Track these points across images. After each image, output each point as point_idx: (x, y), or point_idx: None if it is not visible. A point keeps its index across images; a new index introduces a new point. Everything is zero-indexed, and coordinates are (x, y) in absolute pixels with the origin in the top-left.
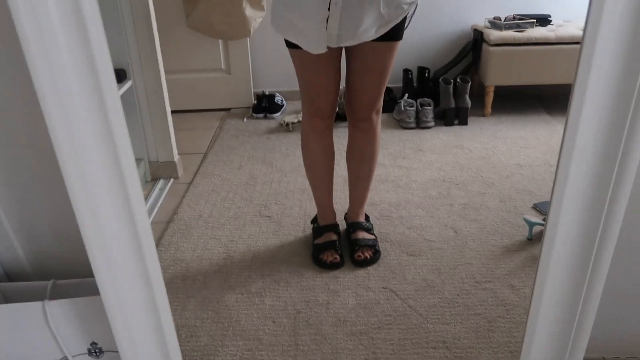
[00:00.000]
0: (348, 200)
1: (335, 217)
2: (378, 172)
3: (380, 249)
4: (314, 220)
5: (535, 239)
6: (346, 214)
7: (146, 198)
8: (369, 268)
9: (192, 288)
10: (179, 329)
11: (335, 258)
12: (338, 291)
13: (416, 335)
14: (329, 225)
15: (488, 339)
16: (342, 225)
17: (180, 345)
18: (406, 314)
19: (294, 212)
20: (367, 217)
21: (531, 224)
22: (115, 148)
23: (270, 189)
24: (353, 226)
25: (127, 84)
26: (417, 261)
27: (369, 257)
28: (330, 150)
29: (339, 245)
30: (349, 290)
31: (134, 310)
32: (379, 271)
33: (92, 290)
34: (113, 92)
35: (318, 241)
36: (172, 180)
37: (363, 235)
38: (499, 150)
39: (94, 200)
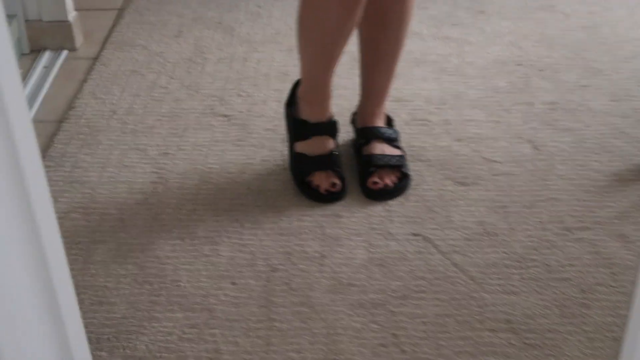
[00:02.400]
0: (358, 92)
1: (331, 110)
2: (410, 46)
3: (411, 172)
4: (291, 101)
5: None
6: (355, 113)
7: (22, 81)
8: (390, 202)
9: (100, 228)
10: (80, 291)
11: (335, 184)
12: (339, 238)
13: (464, 310)
14: (322, 125)
15: (580, 318)
16: (346, 134)
17: (83, 316)
18: (449, 277)
19: (269, 109)
20: (389, 120)
21: None
22: None
23: (229, 71)
24: (366, 133)
25: None
26: (471, 193)
27: (391, 184)
28: (355, 22)
29: (339, 161)
30: (358, 238)
31: (8, 254)
32: (407, 208)
33: None
34: None
35: (303, 149)
36: (65, 52)
37: (382, 148)
38: (614, 16)
39: None
